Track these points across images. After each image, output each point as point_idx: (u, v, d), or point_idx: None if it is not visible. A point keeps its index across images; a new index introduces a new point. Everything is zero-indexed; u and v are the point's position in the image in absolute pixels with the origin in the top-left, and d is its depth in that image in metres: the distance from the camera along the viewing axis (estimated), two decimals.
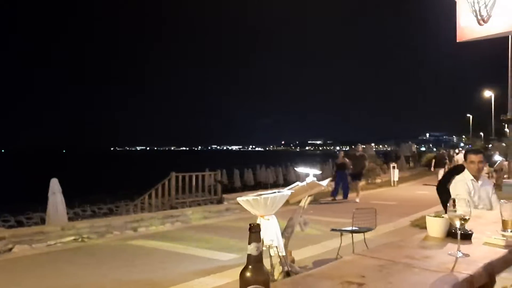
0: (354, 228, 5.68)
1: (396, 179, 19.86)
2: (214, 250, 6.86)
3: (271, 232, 4.79)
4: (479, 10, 3.30)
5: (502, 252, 1.83)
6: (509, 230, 2.19)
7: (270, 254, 4.84)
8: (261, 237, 1.09)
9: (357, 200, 13.33)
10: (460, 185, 4.09)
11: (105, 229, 8.43)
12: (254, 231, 1.07)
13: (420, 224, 9.08)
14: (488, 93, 38.45)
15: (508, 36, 15.24)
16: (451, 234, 2.12)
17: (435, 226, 2.14)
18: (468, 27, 3.62)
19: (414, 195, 16.02)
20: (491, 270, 1.63)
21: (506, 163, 18.45)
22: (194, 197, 13.69)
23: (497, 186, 16.62)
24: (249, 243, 1.08)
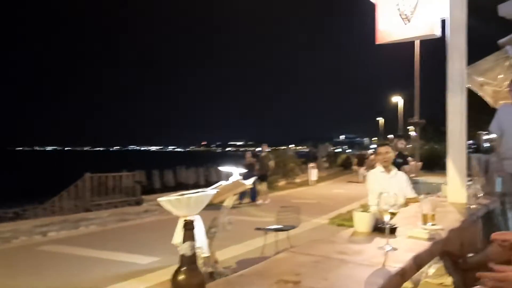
0: (278, 226, 5.71)
1: (314, 178, 20.62)
2: (133, 254, 6.52)
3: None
4: (404, 10, 3.46)
5: (427, 244, 1.89)
6: (429, 224, 2.29)
7: None
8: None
9: (266, 201, 13.05)
10: (371, 178, 4.28)
11: (10, 234, 7.68)
12: (189, 228, 0.95)
13: (337, 222, 9.48)
14: (396, 98, 41.43)
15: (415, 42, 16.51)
16: (376, 229, 2.16)
17: (363, 222, 2.16)
18: (387, 30, 3.78)
19: (331, 193, 16.73)
20: (420, 262, 1.66)
21: (413, 163, 19.98)
22: (110, 199, 13.06)
23: None
24: (184, 242, 0.95)
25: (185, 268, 0.93)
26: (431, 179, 6.65)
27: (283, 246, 5.97)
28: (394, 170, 4.29)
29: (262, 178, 13.09)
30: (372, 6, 3.94)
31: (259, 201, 12.96)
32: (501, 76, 8.17)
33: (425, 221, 2.34)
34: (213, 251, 5.39)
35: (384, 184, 4.03)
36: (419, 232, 2.06)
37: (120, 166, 18.25)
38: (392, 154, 4.21)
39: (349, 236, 2.07)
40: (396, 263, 1.55)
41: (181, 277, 0.93)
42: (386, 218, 1.83)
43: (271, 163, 13.95)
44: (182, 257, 0.94)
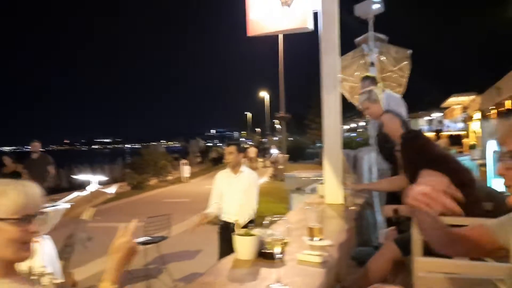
0: (146, 239, 5.07)
1: (187, 175, 20.12)
2: None
3: (43, 257, 3.81)
4: None
5: (321, 272, 1.57)
6: (317, 239, 2.02)
7: (41, 283, 3.85)
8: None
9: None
10: (217, 178, 4.14)
11: None
12: None
13: (212, 220, 9.17)
14: (263, 93, 43.08)
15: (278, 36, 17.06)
16: (261, 254, 1.81)
17: (245, 248, 1.78)
18: (258, 21, 3.50)
19: (205, 190, 16.38)
20: None
21: (280, 155, 20.83)
22: None
23: (276, 177, 18.64)
24: None
25: None
26: (301, 173, 6.71)
27: (152, 256, 5.41)
28: (244, 171, 4.06)
29: None
30: None
31: None
32: (357, 73, 8.73)
33: (311, 235, 2.07)
34: (70, 272, 4.60)
35: (226, 185, 4.00)
36: (310, 256, 1.75)
37: None
38: (235, 156, 3.98)
39: (229, 269, 1.67)
40: None
41: None
42: (277, 250, 1.46)
43: (51, 169, 8.90)
44: None
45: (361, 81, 5.18)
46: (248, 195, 3.93)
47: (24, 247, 1.21)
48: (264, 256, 1.76)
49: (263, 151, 32.37)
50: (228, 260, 1.78)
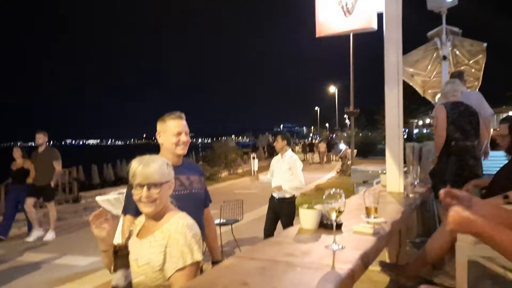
0: (222, 221, 5.62)
1: (256, 168, 20.75)
2: (71, 255, 6.15)
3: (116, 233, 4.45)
4: (346, 3, 3.47)
5: (372, 240, 1.89)
6: (373, 217, 2.31)
7: None
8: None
9: (49, 235, 7.44)
10: (272, 160, 5.63)
11: None
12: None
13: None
14: (333, 89, 42.74)
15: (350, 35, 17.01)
16: (322, 225, 2.14)
17: (309, 219, 2.13)
18: (326, 22, 3.79)
19: None
20: (367, 261, 1.65)
21: (349, 150, 20.76)
22: None
23: (344, 172, 18.63)
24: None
25: None
26: (368, 166, 6.85)
27: (227, 238, 5.92)
28: (287, 155, 5.36)
29: (40, 193, 7.65)
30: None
31: (36, 233, 7.50)
32: (430, 67, 8.61)
33: (368, 214, 2.36)
34: None
35: (275, 165, 5.44)
36: (364, 227, 2.07)
37: None
38: (279, 143, 5.46)
39: (295, 235, 2.03)
40: (345, 263, 1.52)
41: None
42: (333, 216, 1.80)
43: (57, 165, 7.66)
44: None
45: (452, 77, 5.24)
46: (292, 171, 5.19)
47: (142, 205, 1.68)
48: (325, 226, 2.10)
49: (331, 147, 32.22)
50: (294, 228, 2.14)
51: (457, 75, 5.16)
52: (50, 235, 7.35)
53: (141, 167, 1.72)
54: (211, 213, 2.78)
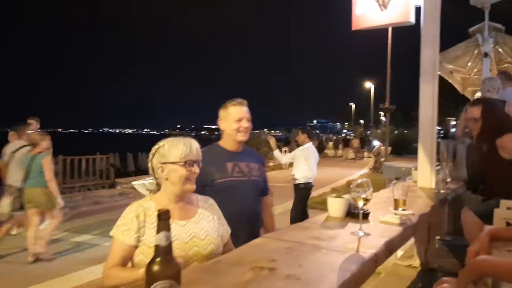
0: None
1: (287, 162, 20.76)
2: (106, 237, 6.45)
3: None
4: None
5: (398, 229, 1.93)
6: (401, 209, 2.34)
7: None
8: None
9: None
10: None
11: None
12: (163, 219, 0.92)
13: (309, 205, 9.60)
14: (368, 84, 41.96)
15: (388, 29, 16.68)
16: (350, 214, 2.20)
17: (336, 207, 2.19)
18: (363, 16, 3.79)
19: None
20: (392, 247, 1.70)
21: (383, 148, 20.43)
22: (84, 181, 12.80)
23: (376, 169, 18.38)
24: (158, 232, 0.93)
25: (160, 259, 0.92)
26: (401, 163, 6.78)
27: None
28: (305, 146, 6.42)
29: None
30: None
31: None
32: (470, 64, 8.35)
33: (396, 206, 2.39)
34: None
35: (296, 154, 6.56)
36: (391, 218, 2.11)
37: (94, 149, 17.85)
38: (299, 136, 6.54)
39: (322, 221, 2.10)
40: (369, 248, 1.58)
41: (155, 268, 0.91)
42: (360, 204, 1.85)
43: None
44: (157, 247, 0.93)
45: (498, 75, 5.10)
46: (307, 162, 6.09)
47: (189, 182, 1.78)
48: (352, 215, 2.15)
49: (365, 143, 31.77)
50: (322, 216, 2.20)
51: (505, 76, 4.98)
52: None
53: (189, 145, 1.82)
54: (270, 202, 2.79)
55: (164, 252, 0.92)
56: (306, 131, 6.34)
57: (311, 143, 6.28)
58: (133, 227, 1.70)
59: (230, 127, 2.47)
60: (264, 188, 2.62)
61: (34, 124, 6.82)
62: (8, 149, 6.06)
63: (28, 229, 5.33)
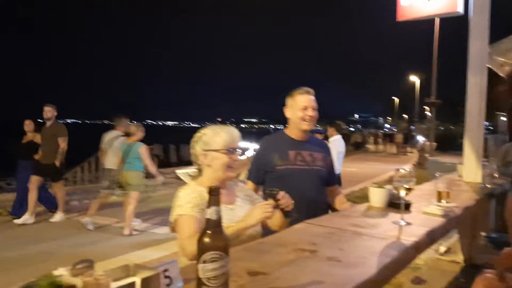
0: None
1: None
2: (150, 224, 6.71)
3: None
4: None
5: (441, 220, 1.92)
6: (444, 201, 2.31)
7: None
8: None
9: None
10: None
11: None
12: (214, 194, 1.00)
13: (350, 199, 9.53)
14: (413, 78, 40.70)
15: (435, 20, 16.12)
16: (391, 204, 2.20)
17: (378, 197, 2.20)
18: (409, 6, 3.72)
19: (344, 171, 16.69)
20: (433, 237, 1.70)
21: (428, 143, 19.85)
22: None
23: (420, 165, 17.91)
24: (208, 207, 1.00)
25: (210, 231, 0.99)
26: (446, 159, 6.60)
27: None
28: (331, 139, 6.39)
29: (46, 172, 6.86)
30: None
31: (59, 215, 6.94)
32: None
33: (439, 198, 2.37)
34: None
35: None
36: (434, 209, 2.10)
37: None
38: (329, 131, 6.71)
39: (363, 211, 2.12)
40: (411, 237, 1.60)
41: (206, 239, 0.99)
42: (402, 193, 1.86)
43: (61, 142, 6.81)
44: (208, 220, 1.00)
45: None
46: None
47: (231, 169, 1.85)
48: (394, 206, 2.16)
49: (409, 139, 30.89)
50: (363, 205, 2.22)
51: None
52: (58, 217, 6.85)
53: (231, 133, 1.89)
54: (340, 192, 2.73)
55: (214, 225, 0.99)
56: (334, 125, 6.64)
57: (339, 136, 6.46)
58: (197, 204, 1.75)
59: (295, 115, 2.49)
60: (329, 177, 2.58)
61: (51, 112, 6.80)
62: (107, 137, 6.89)
63: (127, 207, 6.17)
